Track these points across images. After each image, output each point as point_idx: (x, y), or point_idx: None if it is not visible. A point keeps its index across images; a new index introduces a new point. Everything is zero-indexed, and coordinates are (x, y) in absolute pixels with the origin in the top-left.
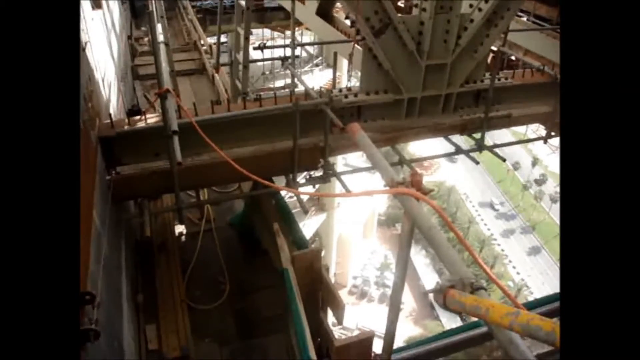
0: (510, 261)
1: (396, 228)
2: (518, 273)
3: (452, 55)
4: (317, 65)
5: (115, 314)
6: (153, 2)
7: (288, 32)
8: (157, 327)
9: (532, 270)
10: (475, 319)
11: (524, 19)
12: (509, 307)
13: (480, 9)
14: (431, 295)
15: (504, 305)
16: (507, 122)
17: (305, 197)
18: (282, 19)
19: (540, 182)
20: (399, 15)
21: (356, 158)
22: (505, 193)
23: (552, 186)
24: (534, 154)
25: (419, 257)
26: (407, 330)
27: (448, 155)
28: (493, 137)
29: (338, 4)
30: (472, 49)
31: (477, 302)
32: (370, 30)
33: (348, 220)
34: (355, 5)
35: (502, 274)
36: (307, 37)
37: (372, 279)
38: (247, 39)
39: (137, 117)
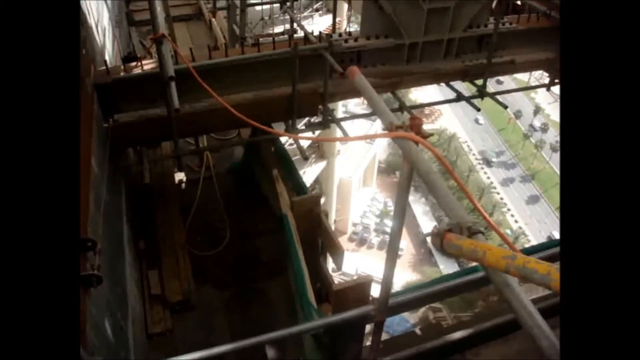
0: (508, 209)
1: (396, 175)
2: (516, 221)
3: None
4: (317, 10)
5: (117, 260)
6: None
7: None
8: (159, 272)
9: (530, 218)
10: (472, 265)
11: None
12: (506, 250)
13: None
14: (429, 239)
15: (500, 249)
16: (511, 68)
17: (305, 144)
18: None
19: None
20: None
21: (356, 106)
22: (506, 142)
23: (553, 135)
24: (536, 102)
25: (418, 205)
26: (405, 276)
27: (449, 102)
28: (495, 85)
29: None
30: None
31: (474, 245)
32: None
33: (348, 167)
34: None
35: (500, 222)
36: None
37: (371, 226)
38: None
39: (133, 64)
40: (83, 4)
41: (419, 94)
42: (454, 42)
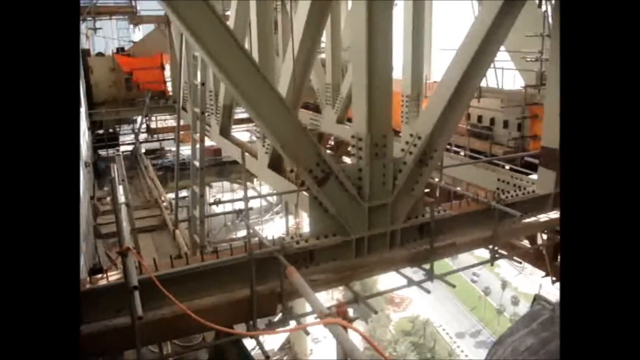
0: None
1: None
2: None
3: (391, 195)
4: (277, 213)
5: None
6: (115, 167)
7: (247, 183)
8: None
9: None
10: None
11: (462, 154)
12: None
13: (410, 152)
14: None
15: None
16: (453, 250)
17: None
18: (239, 171)
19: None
20: (338, 165)
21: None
22: (481, 320)
23: (526, 307)
24: (502, 277)
25: None
26: None
27: (400, 288)
28: (460, 263)
29: None
30: (409, 187)
31: None
32: (313, 180)
33: None
34: (297, 159)
35: None
36: (266, 188)
37: None
38: (202, 196)
39: (99, 276)
40: None
41: (388, 283)
42: (397, 233)
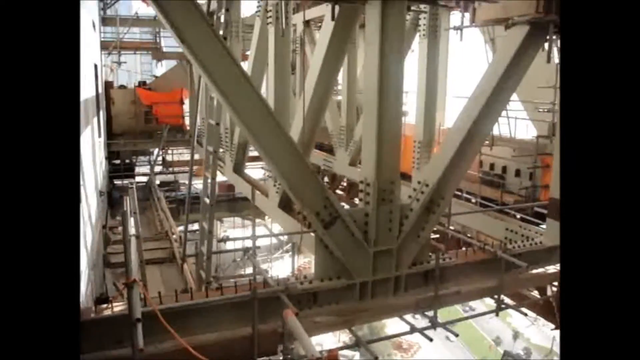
0: None
1: None
2: None
3: (397, 241)
4: (287, 251)
5: None
6: (127, 198)
7: (258, 220)
8: None
9: None
10: None
11: (473, 201)
12: None
13: (417, 200)
14: None
15: None
16: (457, 298)
17: None
18: (251, 208)
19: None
20: (346, 207)
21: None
22: None
23: (538, 358)
24: (513, 327)
25: None
26: None
27: (403, 334)
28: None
29: None
30: (415, 234)
31: None
32: (320, 223)
33: None
34: (305, 202)
35: None
36: (277, 226)
37: None
38: (210, 232)
39: (104, 305)
40: None
41: (395, 328)
42: (401, 279)
